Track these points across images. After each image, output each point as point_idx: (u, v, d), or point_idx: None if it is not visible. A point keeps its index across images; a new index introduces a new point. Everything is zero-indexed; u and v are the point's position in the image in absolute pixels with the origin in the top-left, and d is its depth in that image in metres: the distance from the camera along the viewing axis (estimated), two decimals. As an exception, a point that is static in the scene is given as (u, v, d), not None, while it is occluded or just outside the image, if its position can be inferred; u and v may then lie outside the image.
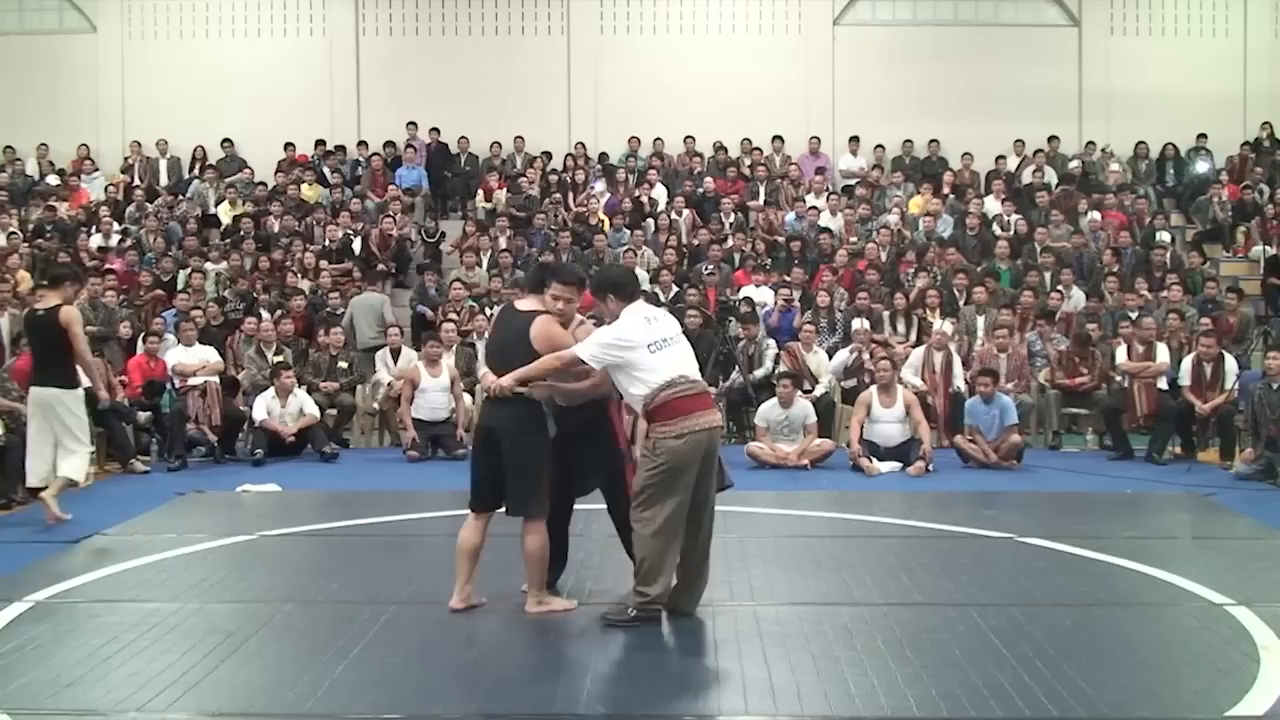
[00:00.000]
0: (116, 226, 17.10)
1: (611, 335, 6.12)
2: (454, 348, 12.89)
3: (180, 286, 15.09)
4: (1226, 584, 6.82)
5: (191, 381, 12.09)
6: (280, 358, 12.76)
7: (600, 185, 18.29)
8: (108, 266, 15.14)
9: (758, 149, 18.99)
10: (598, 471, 6.56)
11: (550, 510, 6.26)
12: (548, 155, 19.23)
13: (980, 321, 13.67)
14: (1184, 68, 19.42)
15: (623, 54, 19.75)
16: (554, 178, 18.52)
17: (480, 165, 19.20)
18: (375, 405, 13.23)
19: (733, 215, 17.14)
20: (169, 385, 12.17)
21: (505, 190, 18.12)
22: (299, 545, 8.41)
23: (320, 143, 19.44)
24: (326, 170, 18.92)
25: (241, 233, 16.54)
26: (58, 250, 15.45)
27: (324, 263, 15.61)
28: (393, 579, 7.13)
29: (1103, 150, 18.99)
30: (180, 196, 18.38)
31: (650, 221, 16.96)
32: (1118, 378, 12.45)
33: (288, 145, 19.34)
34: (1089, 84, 19.63)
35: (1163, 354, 12.27)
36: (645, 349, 6.06)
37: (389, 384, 12.86)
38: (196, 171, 19.07)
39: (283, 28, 20.06)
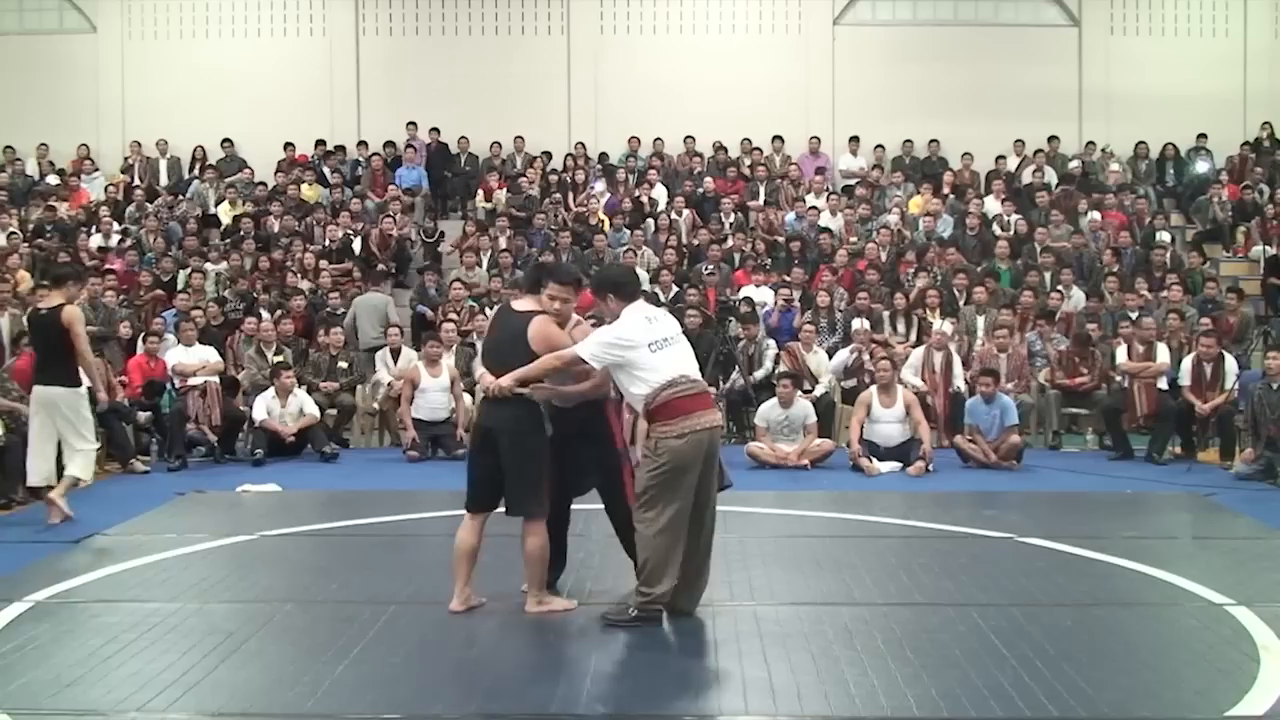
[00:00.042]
0: (116, 226, 17.10)
1: (612, 334, 6.11)
2: (454, 348, 12.89)
3: (180, 286, 15.09)
4: (1226, 584, 6.82)
5: (191, 381, 12.09)
6: (280, 358, 12.76)
7: (600, 185, 18.28)
8: (108, 266, 15.14)
9: (758, 149, 18.98)
10: (594, 471, 6.55)
11: (549, 511, 6.26)
12: (548, 155, 19.23)
13: (980, 321, 13.67)
14: (1184, 68, 19.42)
15: (623, 54, 19.75)
16: (554, 178, 18.51)
17: (480, 165, 19.19)
18: (375, 405, 13.24)
19: (733, 215, 17.13)
20: (169, 385, 12.17)
21: (505, 190, 18.11)
22: (299, 545, 8.42)
23: (320, 143, 19.44)
24: (326, 170, 18.92)
25: (241, 233, 16.54)
26: (58, 250, 15.43)
27: (324, 263, 15.60)
28: (393, 579, 7.13)
29: (1103, 150, 18.99)
30: (180, 196, 18.37)
31: (650, 221, 16.96)
32: (1118, 378, 12.44)
33: (288, 145, 19.33)
34: (1089, 84, 19.63)
35: (1163, 354, 12.27)
36: (646, 348, 6.06)
37: (389, 384, 12.86)
38: (196, 171, 19.06)
39: (283, 28, 20.06)
